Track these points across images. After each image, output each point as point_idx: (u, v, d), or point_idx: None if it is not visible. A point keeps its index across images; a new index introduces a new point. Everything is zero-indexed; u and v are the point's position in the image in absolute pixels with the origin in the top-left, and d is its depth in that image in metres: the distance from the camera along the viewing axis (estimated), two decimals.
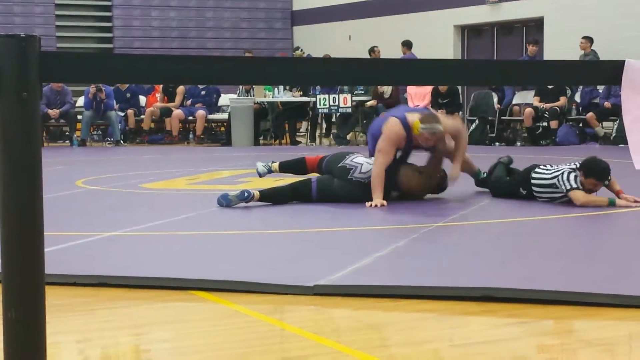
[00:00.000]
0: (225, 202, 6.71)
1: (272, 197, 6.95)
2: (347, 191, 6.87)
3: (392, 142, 6.84)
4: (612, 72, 2.43)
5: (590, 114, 14.22)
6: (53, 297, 3.23)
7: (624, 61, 2.44)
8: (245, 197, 6.74)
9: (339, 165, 6.99)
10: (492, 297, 3.74)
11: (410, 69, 2.28)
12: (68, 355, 3.18)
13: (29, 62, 1.67)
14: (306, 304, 3.78)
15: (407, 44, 16.74)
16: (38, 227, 1.73)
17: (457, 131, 7.08)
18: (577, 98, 15.07)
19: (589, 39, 15.17)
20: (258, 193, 6.86)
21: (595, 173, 6.53)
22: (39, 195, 1.71)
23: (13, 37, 1.66)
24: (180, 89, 16.46)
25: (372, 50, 16.85)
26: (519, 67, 2.43)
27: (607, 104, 14.10)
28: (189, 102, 16.48)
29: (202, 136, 16.36)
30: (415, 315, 3.62)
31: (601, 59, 14.71)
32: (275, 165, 7.57)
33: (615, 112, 13.70)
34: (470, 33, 19.10)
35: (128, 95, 16.59)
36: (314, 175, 7.22)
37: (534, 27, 17.82)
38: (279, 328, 3.46)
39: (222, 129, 16.67)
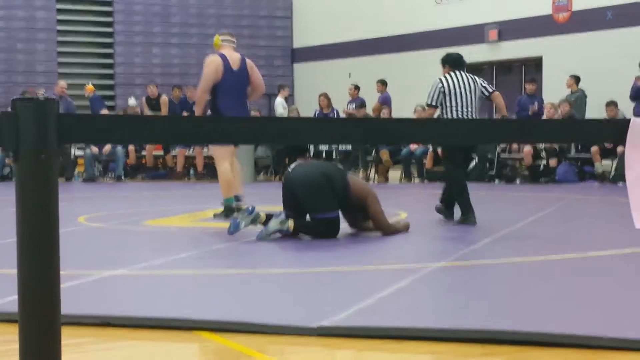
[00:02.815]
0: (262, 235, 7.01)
1: (304, 229, 7.20)
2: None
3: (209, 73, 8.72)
4: (618, 130, 2.47)
5: (595, 148, 14.21)
6: None
7: (629, 120, 2.49)
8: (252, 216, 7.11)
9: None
10: (495, 339, 3.75)
11: (412, 129, 2.29)
12: None
13: (47, 124, 1.70)
14: (310, 345, 3.78)
15: (382, 82, 16.99)
16: (55, 289, 1.74)
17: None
18: None
19: (575, 78, 15.29)
20: (292, 224, 7.06)
21: (449, 62, 8.80)
22: (56, 256, 1.73)
23: (31, 100, 1.70)
24: (164, 99, 16.62)
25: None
26: (524, 126, 2.45)
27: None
28: None
29: (202, 172, 16.40)
30: (418, 357, 3.62)
31: (599, 99, 14.81)
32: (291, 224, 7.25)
33: (615, 151, 13.75)
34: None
35: None
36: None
37: (533, 66, 17.96)
38: None
39: None
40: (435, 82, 8.67)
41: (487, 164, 15.16)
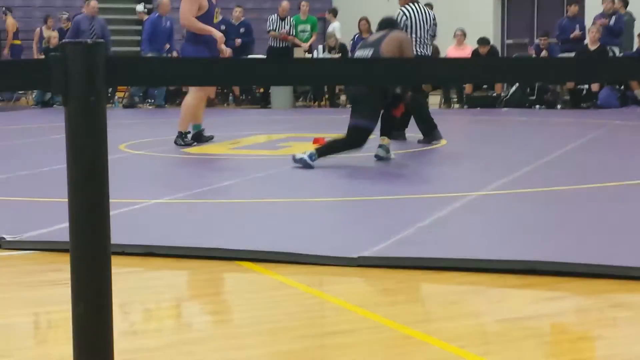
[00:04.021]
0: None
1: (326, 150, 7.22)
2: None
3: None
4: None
5: None
6: None
7: None
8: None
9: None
10: (536, 270, 3.76)
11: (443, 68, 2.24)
12: (113, 324, 3.24)
13: (95, 68, 1.72)
14: (350, 276, 3.83)
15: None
16: (106, 231, 1.78)
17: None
18: None
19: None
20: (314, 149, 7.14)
21: None
22: (106, 195, 1.76)
23: (80, 43, 1.72)
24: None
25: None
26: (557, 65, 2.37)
27: None
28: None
29: (241, 97, 16.41)
30: (458, 288, 3.65)
31: None
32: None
33: None
34: None
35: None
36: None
37: None
38: (324, 300, 3.52)
39: (262, 90, 16.67)
40: (399, 14, 8.87)
41: (528, 89, 14.98)
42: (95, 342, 1.86)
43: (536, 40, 16.38)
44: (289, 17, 16.10)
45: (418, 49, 8.90)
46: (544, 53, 15.09)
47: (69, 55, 1.71)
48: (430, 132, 8.95)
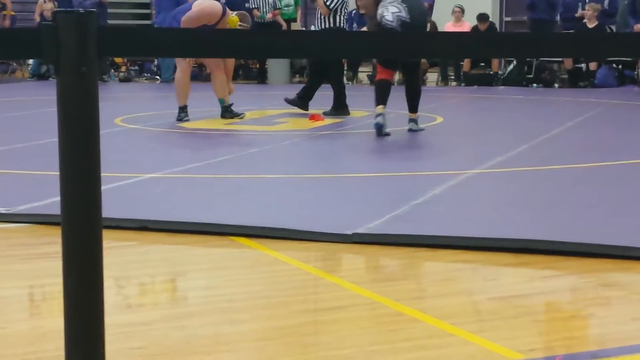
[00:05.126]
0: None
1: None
2: None
3: (203, 14, 8.41)
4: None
5: None
6: None
7: None
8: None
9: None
10: (530, 248, 3.76)
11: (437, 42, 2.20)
12: (107, 298, 3.24)
13: (87, 38, 1.69)
14: (345, 252, 3.82)
15: None
16: (97, 202, 1.76)
17: None
18: None
19: None
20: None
21: None
22: (98, 167, 1.74)
23: (72, 13, 1.69)
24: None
25: None
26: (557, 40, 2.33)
27: None
28: None
29: (239, 72, 16.30)
30: (452, 265, 3.65)
31: None
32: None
33: None
34: None
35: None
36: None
37: None
38: (318, 277, 3.51)
39: (257, 65, 16.57)
40: None
41: (526, 67, 14.92)
42: (86, 315, 1.85)
43: None
44: None
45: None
46: None
47: (61, 24, 1.69)
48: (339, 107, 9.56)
